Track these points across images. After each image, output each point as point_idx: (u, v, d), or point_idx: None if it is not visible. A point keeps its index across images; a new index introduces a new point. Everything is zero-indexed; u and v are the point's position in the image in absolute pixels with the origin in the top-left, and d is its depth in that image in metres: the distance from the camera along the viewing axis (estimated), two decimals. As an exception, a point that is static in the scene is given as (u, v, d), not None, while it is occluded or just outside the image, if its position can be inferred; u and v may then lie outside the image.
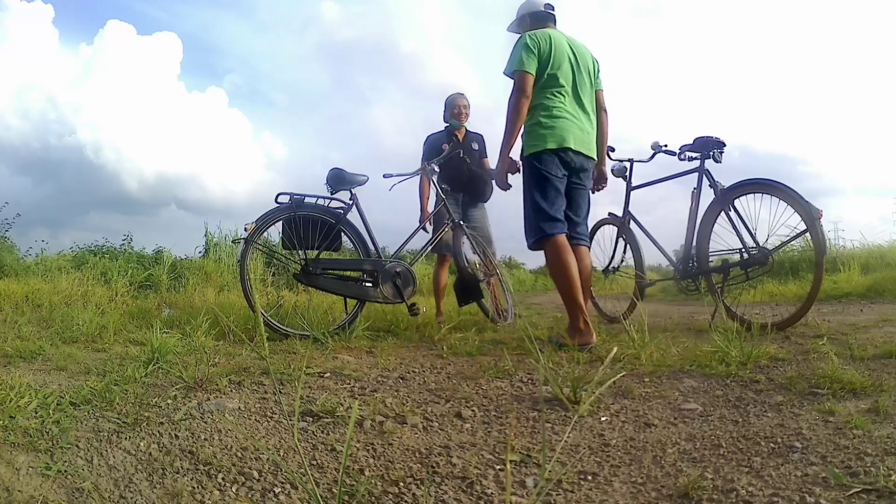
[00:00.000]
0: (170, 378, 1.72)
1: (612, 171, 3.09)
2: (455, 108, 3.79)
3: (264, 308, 3.19)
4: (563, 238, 2.40)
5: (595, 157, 2.60)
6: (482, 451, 1.19)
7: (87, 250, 6.62)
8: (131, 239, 7.19)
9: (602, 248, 3.57)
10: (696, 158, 2.96)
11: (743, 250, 2.67)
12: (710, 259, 2.87)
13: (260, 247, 2.93)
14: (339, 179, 2.94)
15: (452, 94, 3.85)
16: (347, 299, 2.95)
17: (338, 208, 2.92)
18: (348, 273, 2.97)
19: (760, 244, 2.61)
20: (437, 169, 3.42)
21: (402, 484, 1.04)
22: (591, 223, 2.81)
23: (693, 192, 2.95)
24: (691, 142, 2.98)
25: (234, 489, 1.02)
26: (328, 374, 1.87)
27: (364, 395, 1.64)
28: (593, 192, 2.79)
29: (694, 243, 2.92)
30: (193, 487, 1.02)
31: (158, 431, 1.27)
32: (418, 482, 1.04)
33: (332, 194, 2.94)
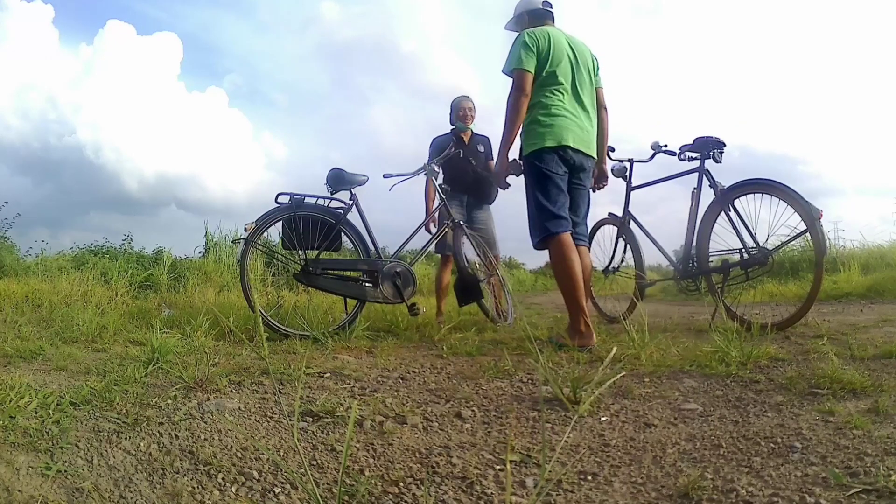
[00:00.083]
0: (170, 378, 1.72)
1: (612, 171, 3.09)
2: (460, 111, 3.84)
3: (264, 308, 3.19)
4: (567, 237, 2.38)
5: (595, 156, 2.58)
6: (482, 451, 1.19)
7: (87, 250, 6.63)
8: (131, 239, 7.20)
9: (602, 248, 3.58)
10: (696, 158, 2.96)
11: (743, 250, 2.67)
12: (710, 259, 2.87)
13: (260, 247, 2.93)
14: (339, 179, 2.94)
15: (458, 97, 3.90)
16: (347, 299, 2.95)
17: (338, 208, 2.92)
18: (348, 273, 2.97)
19: (760, 244, 2.61)
20: (437, 169, 3.42)
21: (402, 484, 1.04)
22: (590, 223, 2.81)
23: (693, 192, 2.95)
24: (691, 142, 2.98)
25: (234, 489, 1.02)
26: (328, 374, 1.87)
27: (364, 395, 1.64)
28: (594, 191, 2.79)
29: (694, 243, 2.92)
30: (193, 487, 1.02)
31: (158, 431, 1.27)
32: (418, 482, 1.04)
33: (332, 194, 2.94)
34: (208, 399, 1.53)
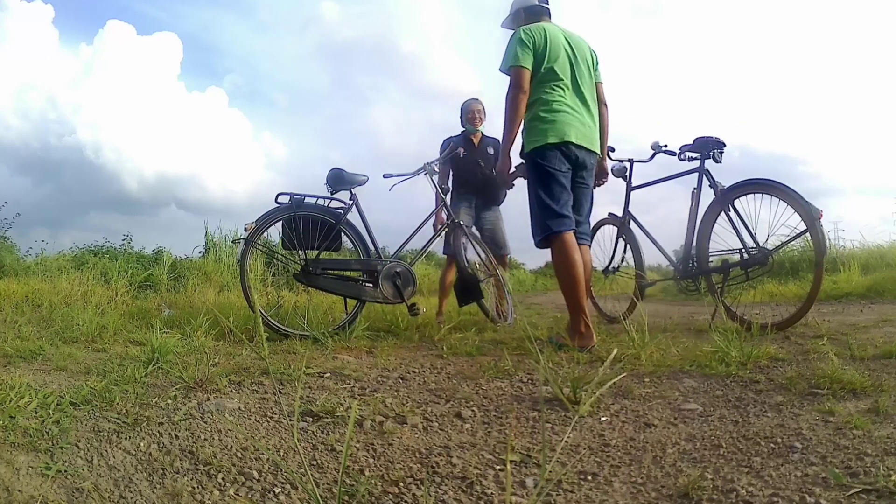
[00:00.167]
0: (170, 378, 1.72)
1: (612, 171, 3.09)
2: (469, 113, 3.91)
3: (264, 308, 3.19)
4: (570, 236, 2.34)
5: (598, 152, 2.55)
6: (482, 451, 1.19)
7: (87, 250, 6.63)
8: (131, 239, 7.20)
9: (602, 248, 3.58)
10: (696, 158, 2.96)
11: (743, 250, 2.67)
12: (710, 259, 2.87)
13: (260, 247, 2.93)
14: (339, 179, 2.94)
15: (467, 100, 3.97)
16: (347, 299, 2.95)
17: (338, 208, 2.92)
18: (348, 273, 2.97)
19: (760, 244, 2.61)
20: (436, 169, 3.42)
21: (402, 484, 1.04)
22: (591, 222, 2.80)
23: (693, 192, 2.95)
24: (691, 142, 2.98)
25: (234, 489, 1.02)
26: (328, 374, 1.87)
27: (364, 395, 1.64)
28: (594, 188, 2.77)
29: (694, 243, 2.92)
30: (193, 487, 1.02)
31: (158, 431, 1.27)
32: (418, 482, 1.04)
33: (332, 194, 2.94)
34: (208, 399, 1.53)
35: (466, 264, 3.18)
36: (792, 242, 2.89)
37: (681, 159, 3.04)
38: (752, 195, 2.62)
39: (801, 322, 2.51)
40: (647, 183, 3.39)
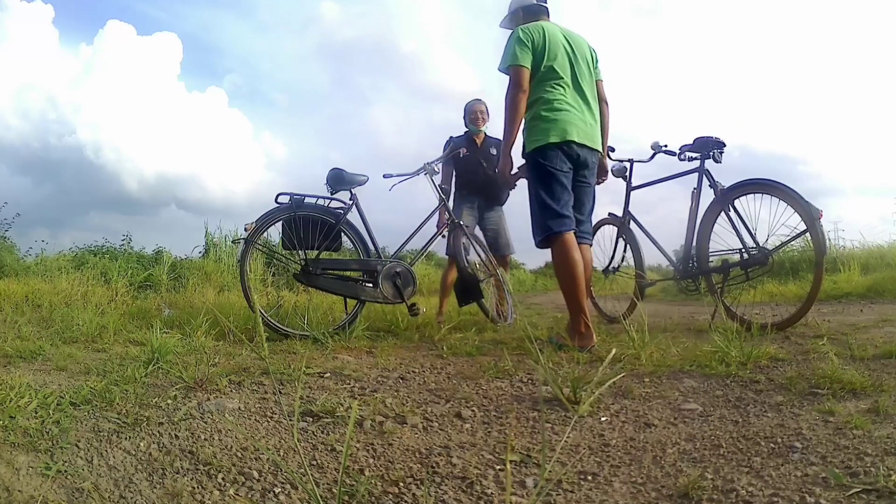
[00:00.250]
0: (170, 378, 1.72)
1: (612, 171, 3.09)
2: (472, 114, 3.94)
3: (264, 308, 3.19)
4: (570, 236, 2.34)
5: (600, 150, 2.54)
6: (482, 451, 1.19)
7: (87, 250, 6.63)
8: (130, 239, 7.19)
9: (602, 249, 3.58)
10: (696, 158, 2.96)
11: (743, 250, 2.67)
12: (710, 259, 2.87)
13: (260, 247, 2.93)
14: (339, 179, 2.94)
15: (471, 101, 4.00)
16: (347, 299, 2.95)
17: (338, 208, 2.92)
18: (348, 273, 2.97)
19: (760, 244, 2.61)
20: (437, 169, 3.43)
21: (402, 484, 1.04)
22: (593, 220, 2.79)
23: (693, 192, 2.95)
24: (691, 142, 2.98)
25: (234, 489, 1.02)
26: (328, 374, 1.87)
27: (364, 395, 1.64)
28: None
29: (694, 243, 2.92)
30: (193, 487, 1.02)
31: (158, 431, 1.27)
32: (418, 482, 1.04)
33: (332, 194, 2.94)
34: (208, 399, 1.53)
35: (466, 265, 3.18)
36: (792, 242, 2.89)
37: (681, 159, 3.04)
38: (752, 195, 2.62)
39: (801, 322, 2.51)
40: (647, 183, 3.39)
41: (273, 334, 2.71)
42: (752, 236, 2.64)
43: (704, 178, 2.89)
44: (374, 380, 1.83)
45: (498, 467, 1.11)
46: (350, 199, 2.96)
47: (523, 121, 2.46)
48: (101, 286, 4.56)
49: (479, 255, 3.40)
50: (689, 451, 1.15)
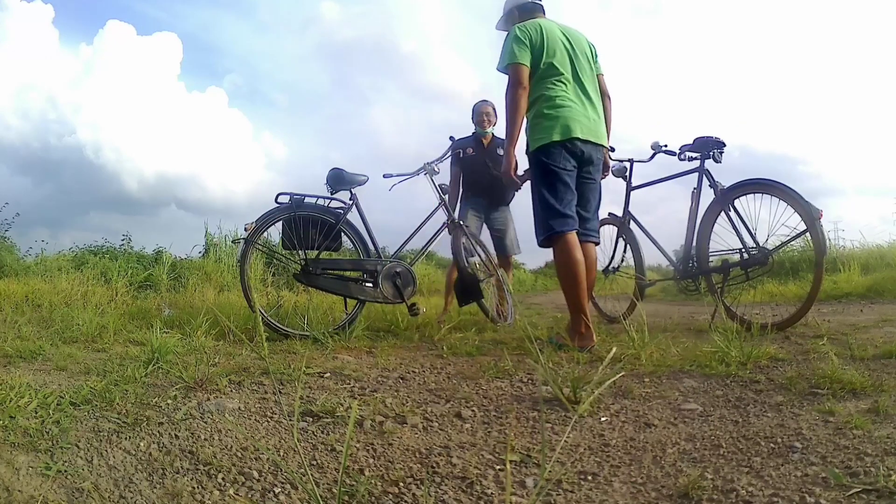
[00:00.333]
0: (170, 378, 1.72)
1: (612, 171, 3.09)
2: (478, 116, 3.97)
3: (264, 308, 3.19)
4: (572, 236, 2.32)
5: (605, 145, 2.51)
6: (482, 451, 1.19)
7: (87, 250, 6.62)
8: (130, 239, 7.19)
9: (602, 249, 3.57)
10: (696, 158, 2.96)
11: (743, 250, 2.67)
12: (710, 259, 2.87)
13: (260, 247, 2.93)
14: (339, 179, 2.94)
15: (478, 102, 4.03)
16: (347, 299, 2.95)
17: (338, 208, 2.92)
18: (348, 273, 2.97)
19: (760, 244, 2.61)
20: (436, 169, 3.43)
21: (402, 484, 1.04)
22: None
23: (693, 192, 2.95)
24: (691, 142, 2.98)
25: (234, 489, 1.02)
26: (328, 374, 1.87)
27: (364, 395, 1.64)
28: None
29: (694, 243, 2.92)
30: (193, 487, 1.02)
31: (158, 431, 1.27)
32: (418, 482, 1.04)
33: (332, 194, 2.94)
34: (208, 399, 1.53)
35: (466, 265, 3.18)
36: (792, 242, 2.89)
37: (681, 159, 3.04)
38: (752, 195, 2.62)
39: (801, 322, 2.51)
40: (647, 183, 3.39)
41: (273, 334, 2.71)
42: (752, 236, 2.64)
43: (704, 178, 2.89)
44: (374, 380, 1.83)
45: (498, 467, 1.11)
46: (350, 199, 2.96)
47: (526, 119, 2.45)
48: (101, 286, 4.56)
49: (480, 255, 3.40)
50: (689, 451, 1.15)
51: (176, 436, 1.26)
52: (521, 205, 4.17)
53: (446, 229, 3.29)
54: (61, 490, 0.99)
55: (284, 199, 2.80)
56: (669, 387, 1.64)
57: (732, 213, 2.70)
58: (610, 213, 3.55)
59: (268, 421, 1.40)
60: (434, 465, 1.13)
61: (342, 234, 2.93)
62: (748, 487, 0.95)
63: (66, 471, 1.06)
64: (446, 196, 3.41)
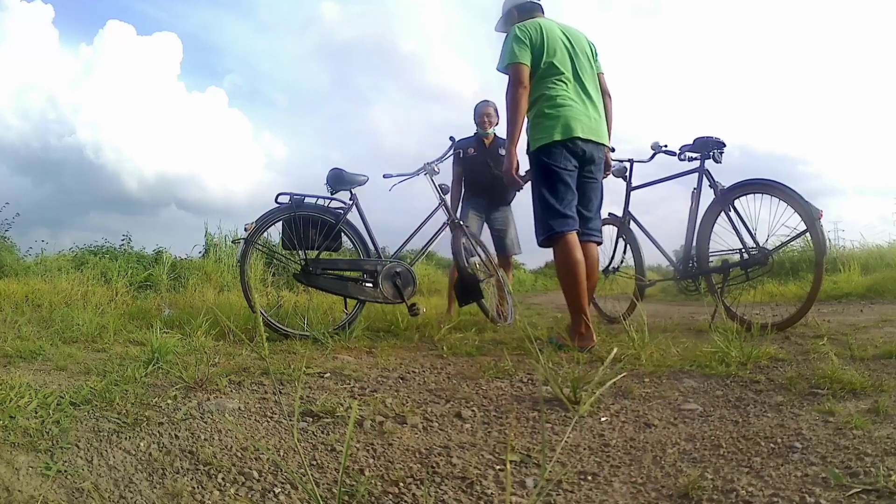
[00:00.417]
0: (170, 378, 1.72)
1: (612, 171, 3.08)
2: (480, 117, 3.99)
3: (264, 308, 3.19)
4: (573, 236, 2.32)
5: (606, 144, 2.51)
6: (482, 451, 1.19)
7: (87, 250, 6.62)
8: (130, 239, 7.18)
9: (602, 249, 3.57)
10: (696, 159, 2.96)
11: (743, 250, 2.67)
12: (710, 259, 2.87)
13: (260, 247, 2.93)
14: (339, 179, 2.94)
15: (480, 102, 4.06)
16: (347, 299, 2.95)
17: (338, 208, 2.92)
18: (348, 273, 2.97)
19: (760, 244, 2.61)
20: (436, 169, 3.43)
21: (402, 484, 1.04)
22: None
23: (693, 192, 2.95)
24: (691, 142, 2.98)
25: (234, 489, 1.02)
26: (328, 374, 1.87)
27: (364, 395, 1.64)
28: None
29: (694, 243, 2.92)
30: (193, 487, 1.02)
31: (158, 431, 1.27)
32: (418, 482, 1.04)
33: (332, 194, 2.94)
34: (208, 399, 1.53)
35: (466, 265, 3.18)
36: (792, 242, 2.89)
37: (681, 159, 3.04)
38: (752, 195, 2.62)
39: (801, 322, 2.51)
40: (647, 183, 3.39)
41: (273, 334, 2.71)
42: (752, 236, 2.64)
43: (704, 178, 2.89)
44: (374, 380, 1.83)
45: (498, 467, 1.11)
46: (350, 199, 2.96)
47: (526, 119, 2.44)
48: (101, 286, 4.56)
49: (480, 255, 3.41)
50: (689, 451, 1.15)
51: (176, 436, 1.26)
52: (522, 205, 4.19)
53: (446, 229, 3.30)
54: (61, 490, 0.99)
55: (284, 199, 2.80)
56: (669, 387, 1.64)
57: (732, 214, 2.70)
58: (610, 214, 3.55)
59: (268, 421, 1.40)
60: (434, 465, 1.13)
61: (342, 234, 2.93)
62: (748, 487, 0.95)
63: (66, 471, 1.06)
64: (446, 196, 3.41)
